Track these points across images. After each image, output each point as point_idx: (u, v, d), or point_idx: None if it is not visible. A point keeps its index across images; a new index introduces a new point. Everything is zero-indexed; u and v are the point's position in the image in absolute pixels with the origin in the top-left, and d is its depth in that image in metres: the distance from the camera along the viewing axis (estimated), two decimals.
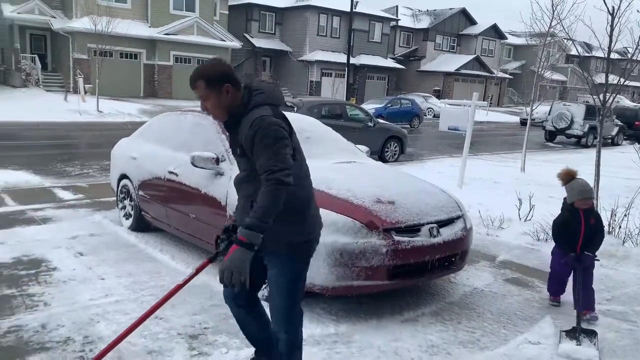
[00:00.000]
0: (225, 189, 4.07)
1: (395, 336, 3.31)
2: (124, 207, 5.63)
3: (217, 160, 4.17)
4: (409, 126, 21.45)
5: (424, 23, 42.57)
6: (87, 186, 7.73)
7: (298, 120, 5.02)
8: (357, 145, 5.24)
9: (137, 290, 3.84)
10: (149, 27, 25.80)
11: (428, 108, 30.11)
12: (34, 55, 24.73)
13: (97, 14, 19.46)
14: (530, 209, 6.10)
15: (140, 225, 5.36)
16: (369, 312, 3.63)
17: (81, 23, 22.04)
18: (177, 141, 4.90)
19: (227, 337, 3.18)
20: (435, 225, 3.71)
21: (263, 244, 2.16)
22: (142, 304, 3.58)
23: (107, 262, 4.44)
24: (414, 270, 3.60)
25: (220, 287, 3.92)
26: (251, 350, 3.02)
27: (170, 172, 4.70)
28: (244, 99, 2.28)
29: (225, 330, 3.26)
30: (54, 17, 24.62)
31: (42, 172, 8.50)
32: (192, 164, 4.18)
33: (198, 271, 2.48)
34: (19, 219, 5.73)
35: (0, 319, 3.29)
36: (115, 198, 5.92)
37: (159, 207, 4.93)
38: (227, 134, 4.32)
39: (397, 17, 39.54)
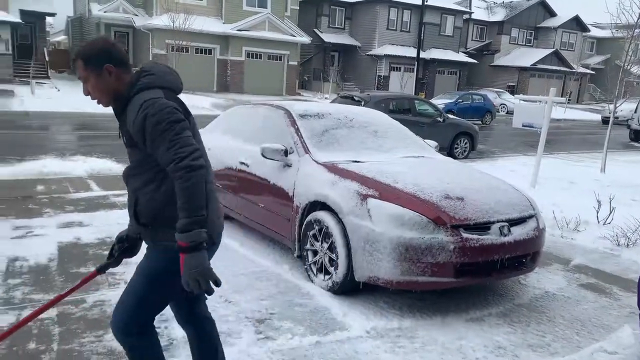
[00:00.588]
0: (292, 180, 4.17)
1: (460, 334, 3.26)
2: None
3: (286, 152, 4.27)
4: (480, 122, 20.80)
5: (499, 15, 40.92)
6: None
7: (365, 114, 5.04)
8: (425, 140, 5.17)
9: None
10: (223, 23, 26.66)
11: (501, 104, 29.03)
12: None
13: (175, 11, 20.37)
14: (611, 212, 5.75)
15: None
16: (433, 309, 3.59)
17: (160, 20, 23.18)
18: (248, 133, 5.07)
19: (292, 323, 3.26)
20: (506, 223, 3.60)
21: (145, 236, 2.07)
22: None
23: None
24: (481, 269, 3.52)
25: (288, 275, 4.06)
26: (314, 338, 3.09)
27: (242, 163, 4.87)
28: (133, 82, 2.01)
29: (290, 317, 3.35)
30: (136, 15, 26.06)
31: (124, 160, 9.03)
32: (262, 155, 4.32)
33: (83, 282, 2.33)
34: (103, 203, 6.16)
35: (87, 293, 3.58)
36: None
37: (230, 196, 5.12)
38: (297, 126, 4.48)
39: (470, 9, 38.30)
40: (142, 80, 2.00)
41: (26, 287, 3.64)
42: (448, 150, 11.29)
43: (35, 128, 13.64)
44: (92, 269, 4.01)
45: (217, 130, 5.80)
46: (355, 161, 4.13)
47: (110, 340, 2.95)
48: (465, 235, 3.38)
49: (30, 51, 26.34)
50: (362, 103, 10.59)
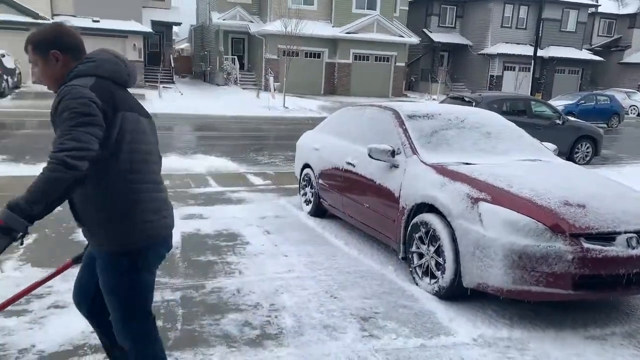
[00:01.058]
0: (399, 181, 4.16)
1: (577, 351, 3.04)
2: (305, 194, 6.12)
3: (393, 153, 4.28)
4: (605, 125, 19.04)
5: (632, 7, 36.99)
6: (274, 174, 8.54)
7: (477, 115, 4.88)
8: (543, 143, 4.88)
9: (315, 269, 4.16)
10: (332, 26, 27.19)
11: (631, 106, 26.31)
12: (234, 57, 28.00)
13: (288, 17, 21.18)
14: None
15: (319, 211, 5.77)
16: (547, 322, 3.38)
17: (273, 26, 24.24)
18: (355, 134, 5.15)
19: (397, 324, 3.27)
20: (635, 235, 3.28)
21: (91, 244, 2.01)
22: (319, 282, 3.87)
23: (290, 241, 4.89)
24: (604, 283, 3.25)
25: (392, 275, 4.07)
26: (419, 341, 3.07)
27: (348, 163, 4.97)
28: (72, 68, 1.95)
29: (395, 317, 3.36)
30: (252, 22, 27.50)
31: (238, 160, 9.63)
32: (369, 155, 4.36)
33: (58, 272, 2.34)
34: (220, 198, 6.62)
35: (206, 280, 3.89)
36: (297, 185, 6.46)
37: (336, 196, 5.25)
38: (405, 127, 4.46)
39: (597, 2, 35.13)
40: (79, 67, 1.95)
41: None
42: (568, 154, 10.50)
43: (161, 128, 14.95)
44: (211, 258, 4.36)
45: (325, 130, 5.97)
46: (466, 163, 4.02)
47: (227, 325, 3.18)
48: (586, 245, 3.15)
49: (158, 58, 28.98)
50: (473, 104, 10.22)
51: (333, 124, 5.92)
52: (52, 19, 22.89)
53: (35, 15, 22.23)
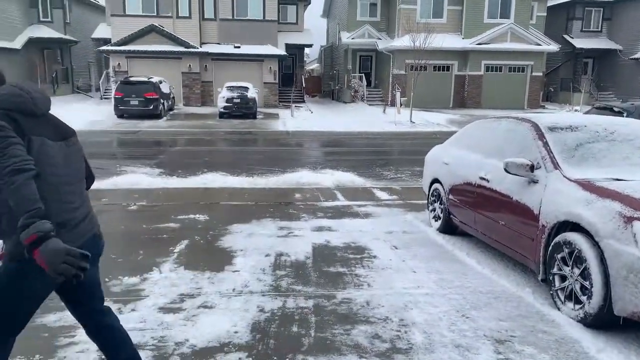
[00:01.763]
0: (539, 197, 3.92)
1: None
2: (433, 210, 6.01)
3: (532, 168, 4.04)
4: None
5: None
6: (400, 189, 8.52)
7: (630, 126, 4.43)
8: None
9: (445, 287, 4.07)
10: (462, 38, 26.48)
11: None
12: (361, 75, 28.57)
13: (416, 31, 21.11)
14: None
15: (448, 227, 5.63)
16: None
17: (401, 41, 24.32)
18: (489, 147, 4.96)
19: (535, 350, 3.07)
20: None
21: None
22: (450, 301, 3.78)
23: (418, 257, 4.84)
24: None
25: (530, 298, 3.83)
26: None
27: (481, 178, 4.79)
28: None
29: (534, 342, 3.16)
30: (379, 39, 27.89)
31: (364, 175, 9.78)
32: (505, 170, 4.18)
33: None
34: (347, 212, 6.78)
35: (337, 290, 4.01)
36: (425, 201, 6.37)
37: (467, 212, 5.08)
38: (545, 139, 4.20)
39: None
40: None
41: (289, 278, 4.27)
42: None
43: (293, 145, 15.78)
44: (340, 269, 4.49)
45: (456, 144, 5.83)
46: (617, 179, 3.66)
47: (357, 335, 3.25)
48: None
49: (291, 79, 30.63)
50: (625, 114, 9.24)
51: (465, 137, 5.76)
52: (200, 47, 25.50)
53: (187, 45, 24.96)
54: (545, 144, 4.18)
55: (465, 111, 24.86)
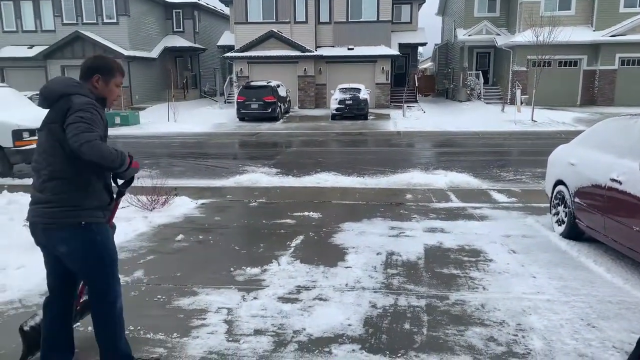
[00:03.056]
0: None
1: None
2: (557, 213, 5.65)
3: None
4: None
5: None
6: (520, 191, 8.09)
7: None
8: None
9: (569, 295, 3.83)
10: (593, 30, 24.29)
11: None
12: (478, 72, 27.44)
13: (540, 25, 19.80)
14: None
15: (573, 232, 5.26)
16: None
17: (523, 36, 22.94)
18: (622, 147, 4.56)
19: None
20: None
21: None
22: (574, 308, 3.56)
23: (538, 262, 4.60)
24: None
25: None
26: None
27: (613, 180, 4.43)
28: None
29: None
30: (499, 35, 26.57)
31: (480, 176, 9.43)
32: None
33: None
34: (461, 214, 6.61)
35: (450, 292, 3.97)
36: (548, 204, 6.01)
37: (596, 216, 4.72)
38: None
39: None
40: None
41: (401, 277, 4.31)
42: None
43: (404, 145, 15.66)
44: (454, 271, 4.42)
45: (584, 144, 5.43)
46: None
47: (471, 337, 3.21)
48: None
49: (403, 79, 30.37)
50: None
51: (594, 136, 5.34)
52: (315, 50, 26.30)
53: (303, 49, 25.90)
54: None
55: (595, 109, 22.75)
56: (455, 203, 7.29)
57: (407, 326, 3.37)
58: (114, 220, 2.81)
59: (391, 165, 10.80)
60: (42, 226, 2.49)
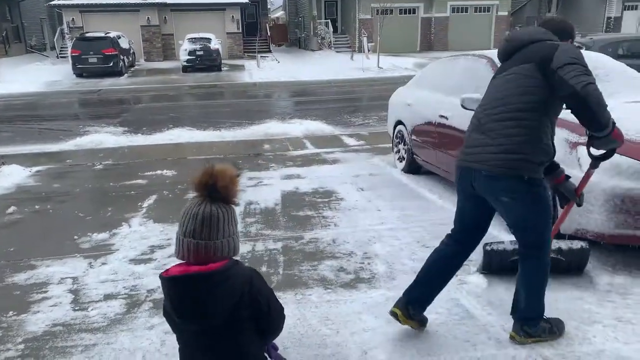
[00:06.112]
0: None
1: None
2: (398, 151, 6.14)
3: None
4: None
5: None
6: (368, 134, 8.62)
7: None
8: None
9: (408, 222, 4.25)
10: None
11: None
12: (327, 21, 27.97)
13: None
14: None
15: (412, 167, 5.78)
16: None
17: None
18: (448, 86, 5.04)
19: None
20: None
21: None
22: (412, 233, 3.97)
23: (383, 197, 5.00)
24: None
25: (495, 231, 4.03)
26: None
27: (441, 116, 4.90)
28: None
29: None
30: None
31: (333, 122, 9.81)
32: (462, 106, 4.27)
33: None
34: (316, 159, 6.87)
35: (305, 232, 4.15)
36: (391, 144, 6.49)
37: (429, 151, 5.22)
38: None
39: None
40: None
41: (259, 224, 4.37)
42: None
43: (260, 96, 15.59)
44: (308, 212, 4.61)
45: (418, 85, 5.90)
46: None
47: (323, 270, 3.41)
48: None
49: (255, 28, 29.79)
50: (584, 48, 9.39)
51: (425, 77, 5.83)
52: None
53: None
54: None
55: (432, 54, 24.75)
56: (311, 150, 7.53)
57: (264, 269, 3.46)
58: None
59: (248, 117, 10.70)
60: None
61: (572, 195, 2.52)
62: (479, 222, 2.58)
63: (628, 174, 2.99)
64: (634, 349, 2.43)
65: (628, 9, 28.52)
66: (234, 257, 1.62)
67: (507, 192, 2.34)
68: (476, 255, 2.96)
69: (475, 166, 2.40)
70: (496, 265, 3.12)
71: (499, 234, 3.72)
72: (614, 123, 2.22)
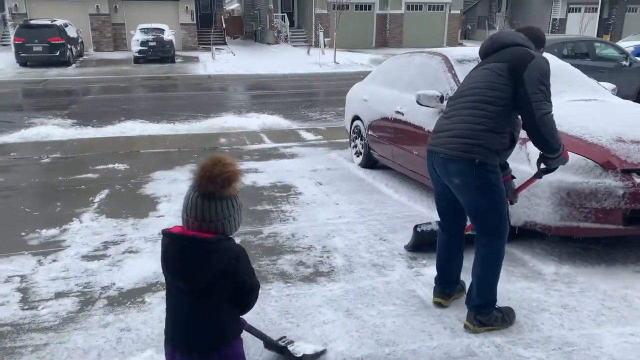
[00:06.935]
0: None
1: (626, 283, 3.05)
2: (355, 146, 6.21)
3: (442, 99, 4.26)
4: None
5: None
6: (325, 129, 8.65)
7: None
8: (600, 83, 4.69)
9: (365, 215, 4.32)
10: None
11: None
12: (283, 14, 27.82)
13: None
14: None
15: (369, 162, 5.86)
16: (597, 258, 3.39)
17: None
18: (404, 82, 5.14)
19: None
20: None
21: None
22: (369, 227, 4.04)
23: (341, 191, 5.05)
24: None
25: None
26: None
27: (397, 112, 4.99)
28: None
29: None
30: None
31: (290, 117, 9.79)
32: (417, 102, 4.37)
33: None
34: (274, 153, 6.84)
35: (263, 226, 4.14)
36: (348, 138, 6.55)
37: (385, 146, 5.31)
38: (454, 72, 4.41)
39: None
40: None
41: None
42: (635, 97, 9.89)
43: (216, 89, 15.34)
44: (267, 207, 4.60)
45: (374, 81, 5.97)
46: None
47: (283, 264, 3.41)
48: (638, 180, 3.09)
49: (210, 20, 29.26)
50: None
51: (382, 73, 5.90)
52: None
53: None
54: (455, 76, 4.39)
55: (388, 50, 25.09)
56: (268, 144, 7.49)
57: None
58: None
59: (203, 110, 10.52)
60: None
61: (512, 193, 2.72)
62: (452, 201, 2.66)
63: (573, 170, 3.15)
64: (577, 335, 2.58)
65: (572, 11, 29.88)
66: (230, 235, 1.75)
67: (458, 175, 2.47)
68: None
69: (436, 149, 2.55)
70: (424, 244, 3.44)
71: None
72: (563, 146, 2.50)
